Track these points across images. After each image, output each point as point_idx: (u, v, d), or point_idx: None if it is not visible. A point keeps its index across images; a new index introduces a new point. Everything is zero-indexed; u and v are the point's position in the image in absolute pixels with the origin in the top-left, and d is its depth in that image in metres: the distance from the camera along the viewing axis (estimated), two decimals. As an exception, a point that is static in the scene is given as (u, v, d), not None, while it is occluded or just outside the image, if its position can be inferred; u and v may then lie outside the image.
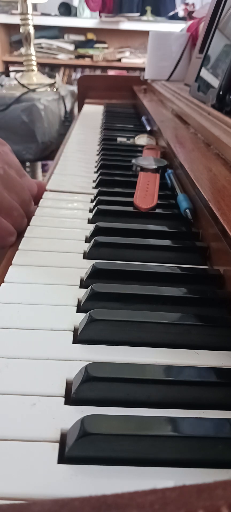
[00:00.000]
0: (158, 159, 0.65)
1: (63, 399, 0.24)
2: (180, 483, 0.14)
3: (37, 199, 0.53)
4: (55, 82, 1.43)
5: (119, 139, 0.85)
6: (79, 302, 0.34)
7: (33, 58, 1.40)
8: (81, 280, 0.37)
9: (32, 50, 1.39)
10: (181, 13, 2.31)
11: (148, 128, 0.91)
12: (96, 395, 0.24)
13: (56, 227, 0.47)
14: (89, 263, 0.38)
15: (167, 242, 0.42)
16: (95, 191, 0.57)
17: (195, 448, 0.21)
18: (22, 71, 1.42)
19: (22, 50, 1.41)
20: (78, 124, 1.09)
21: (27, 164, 1.47)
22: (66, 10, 2.91)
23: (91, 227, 0.45)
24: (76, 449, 0.21)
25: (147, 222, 0.48)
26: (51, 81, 1.43)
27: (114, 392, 0.25)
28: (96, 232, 0.44)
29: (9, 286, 0.35)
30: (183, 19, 2.24)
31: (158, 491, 0.13)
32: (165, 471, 0.21)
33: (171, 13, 2.78)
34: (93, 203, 0.53)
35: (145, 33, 2.12)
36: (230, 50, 0.65)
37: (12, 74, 1.61)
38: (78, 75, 2.83)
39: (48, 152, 1.37)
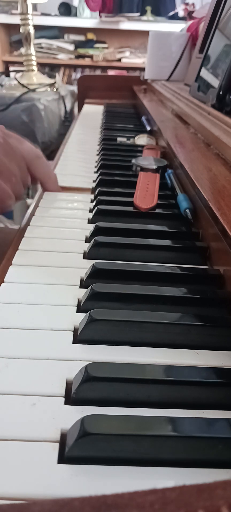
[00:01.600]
0: (158, 159, 0.65)
1: (63, 399, 0.24)
2: (180, 483, 0.14)
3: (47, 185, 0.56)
4: (55, 82, 1.43)
5: (119, 139, 0.85)
6: (79, 302, 0.34)
7: (33, 58, 1.40)
8: (81, 280, 0.37)
9: (32, 50, 1.39)
10: (181, 13, 2.31)
11: (148, 128, 0.91)
12: (96, 395, 0.24)
13: (56, 227, 0.47)
14: (89, 263, 0.38)
15: (167, 242, 0.42)
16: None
17: (195, 448, 0.21)
18: (22, 71, 1.42)
19: (22, 50, 1.41)
20: (78, 124, 1.09)
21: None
22: (66, 10, 2.91)
23: (91, 227, 0.45)
24: (76, 449, 0.21)
25: (147, 222, 0.48)
26: (51, 81, 1.43)
27: (114, 392, 0.25)
28: (96, 232, 0.44)
29: (9, 286, 0.35)
30: (183, 19, 2.25)
31: (158, 491, 0.13)
32: (165, 471, 0.21)
33: (171, 13, 2.78)
34: (93, 203, 0.53)
35: (145, 33, 2.12)
36: (230, 50, 0.65)
37: (12, 74, 1.61)
38: (78, 75, 2.83)
39: (48, 152, 1.37)
